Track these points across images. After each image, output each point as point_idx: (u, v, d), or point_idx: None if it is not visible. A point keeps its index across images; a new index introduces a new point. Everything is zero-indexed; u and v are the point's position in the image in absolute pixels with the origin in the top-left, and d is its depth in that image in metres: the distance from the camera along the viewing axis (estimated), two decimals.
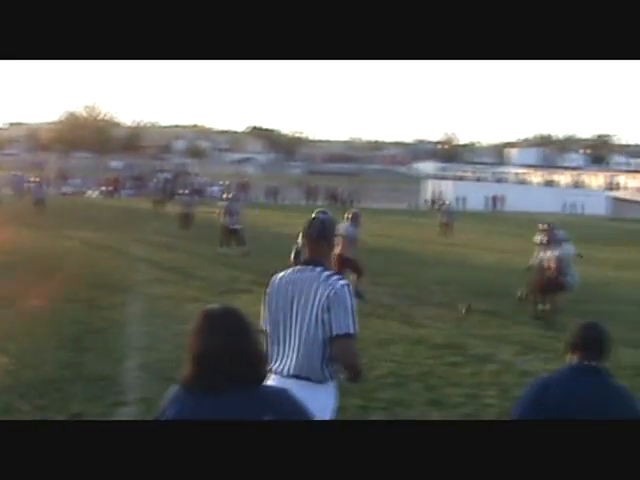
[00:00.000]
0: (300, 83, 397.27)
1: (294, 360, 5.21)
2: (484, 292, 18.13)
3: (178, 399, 3.43)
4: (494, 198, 74.24)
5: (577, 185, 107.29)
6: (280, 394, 3.51)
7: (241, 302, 14.01)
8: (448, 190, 72.60)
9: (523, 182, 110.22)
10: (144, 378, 9.80)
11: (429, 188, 77.57)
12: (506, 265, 23.39)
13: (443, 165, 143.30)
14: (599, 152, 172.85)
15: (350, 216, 17.31)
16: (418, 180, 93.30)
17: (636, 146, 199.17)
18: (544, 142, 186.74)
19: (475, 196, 71.89)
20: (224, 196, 28.63)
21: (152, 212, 41.37)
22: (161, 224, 34.18)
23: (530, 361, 11.73)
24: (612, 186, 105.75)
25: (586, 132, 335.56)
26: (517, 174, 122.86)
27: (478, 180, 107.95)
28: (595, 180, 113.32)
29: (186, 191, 37.95)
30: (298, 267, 5.40)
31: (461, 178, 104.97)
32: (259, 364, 3.48)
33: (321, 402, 5.02)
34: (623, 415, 4.45)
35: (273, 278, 5.45)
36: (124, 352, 11.19)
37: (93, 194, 66.33)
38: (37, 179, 47.10)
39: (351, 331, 5.07)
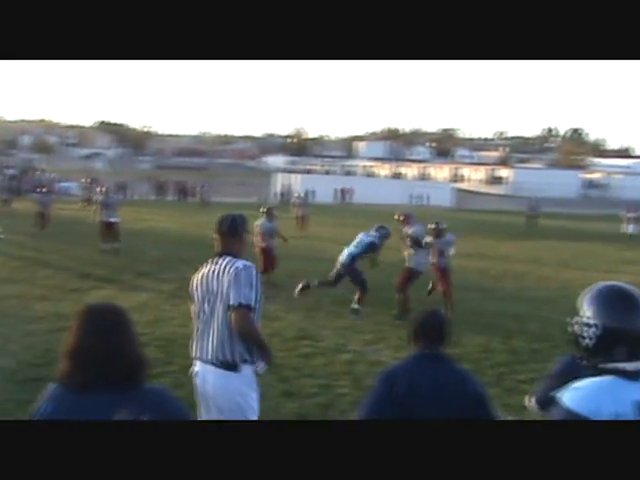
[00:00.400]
0: (147, 77, 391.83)
1: (210, 344, 5.75)
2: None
3: (54, 397, 3.34)
4: (343, 191, 75.03)
5: (423, 177, 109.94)
6: (160, 394, 3.47)
7: (92, 298, 13.84)
8: (297, 183, 72.99)
9: (371, 175, 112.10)
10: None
11: (279, 182, 77.79)
12: None
13: (292, 159, 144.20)
14: (444, 145, 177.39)
15: (266, 211, 19.05)
16: (268, 174, 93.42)
17: (479, 140, 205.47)
18: (391, 136, 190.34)
19: (324, 189, 72.46)
20: (98, 190, 27.97)
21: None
22: (8, 222, 33.14)
23: (381, 350, 12.00)
24: (457, 178, 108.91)
25: (432, 126, 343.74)
26: (365, 167, 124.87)
27: (327, 173, 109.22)
28: (440, 172, 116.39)
29: (42, 189, 36.79)
30: (214, 259, 5.93)
31: (310, 171, 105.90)
32: (137, 363, 3.39)
33: (240, 388, 5.65)
34: (466, 398, 4.65)
35: (195, 274, 6.08)
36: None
37: None
38: None
39: (244, 302, 5.55)
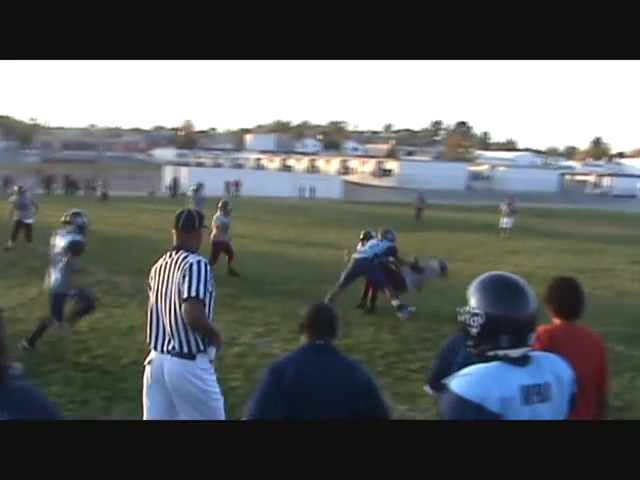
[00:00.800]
0: (35, 69, 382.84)
1: (166, 335, 5.99)
2: (226, 277, 18.35)
3: None
4: (232, 183, 74.72)
5: (312, 170, 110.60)
6: (22, 393, 3.36)
7: None
8: (187, 176, 72.49)
9: (261, 168, 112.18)
10: None
11: (168, 175, 77.04)
12: (243, 249, 23.74)
13: (182, 151, 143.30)
14: (333, 138, 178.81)
15: (221, 205, 19.45)
16: (157, 167, 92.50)
17: (368, 132, 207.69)
18: (281, 128, 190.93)
19: (214, 182, 72.11)
20: (15, 189, 27.01)
21: None
22: None
23: (271, 342, 12.05)
24: (345, 171, 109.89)
25: (321, 119, 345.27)
26: (255, 160, 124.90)
27: (218, 166, 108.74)
28: (329, 165, 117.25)
29: None
30: (168, 254, 6.15)
31: (200, 164, 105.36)
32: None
33: (198, 373, 5.86)
34: (356, 388, 4.71)
35: (152, 267, 6.28)
36: None
37: None
38: None
39: (193, 294, 5.78)
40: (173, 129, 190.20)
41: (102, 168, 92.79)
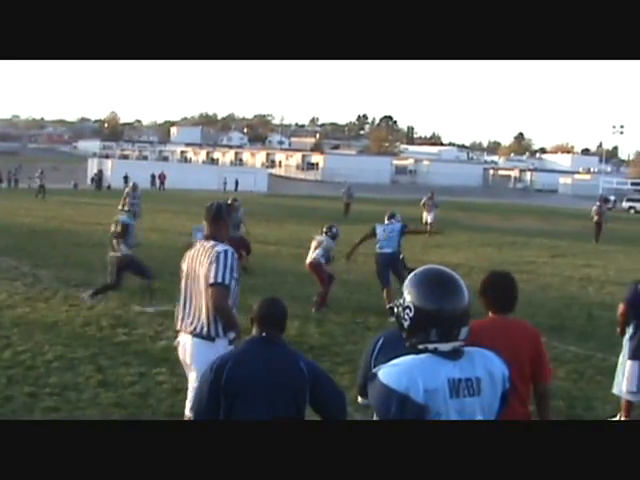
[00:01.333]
0: None
1: (191, 317, 6.52)
2: (156, 271, 18.23)
3: None
4: (157, 176, 74.08)
5: (238, 163, 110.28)
6: None
7: None
8: (112, 169, 71.80)
9: (186, 160, 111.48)
10: None
11: (94, 167, 76.10)
12: (166, 243, 23.60)
13: (107, 144, 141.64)
14: (259, 131, 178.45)
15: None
16: (83, 159, 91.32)
17: (294, 126, 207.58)
18: (206, 121, 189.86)
19: (139, 174, 71.47)
20: None
21: None
22: None
23: None
24: (271, 164, 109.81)
25: (247, 112, 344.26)
26: (180, 152, 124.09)
27: (143, 159, 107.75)
28: (255, 158, 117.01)
29: None
30: (200, 242, 6.68)
31: (125, 157, 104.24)
32: None
33: (211, 357, 5.62)
34: (299, 378, 4.74)
35: (185, 254, 6.78)
36: None
37: None
38: None
39: (219, 280, 6.28)
40: (98, 121, 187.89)
41: (25, 160, 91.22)
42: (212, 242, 6.51)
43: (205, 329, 6.40)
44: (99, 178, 67.20)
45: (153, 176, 73.47)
